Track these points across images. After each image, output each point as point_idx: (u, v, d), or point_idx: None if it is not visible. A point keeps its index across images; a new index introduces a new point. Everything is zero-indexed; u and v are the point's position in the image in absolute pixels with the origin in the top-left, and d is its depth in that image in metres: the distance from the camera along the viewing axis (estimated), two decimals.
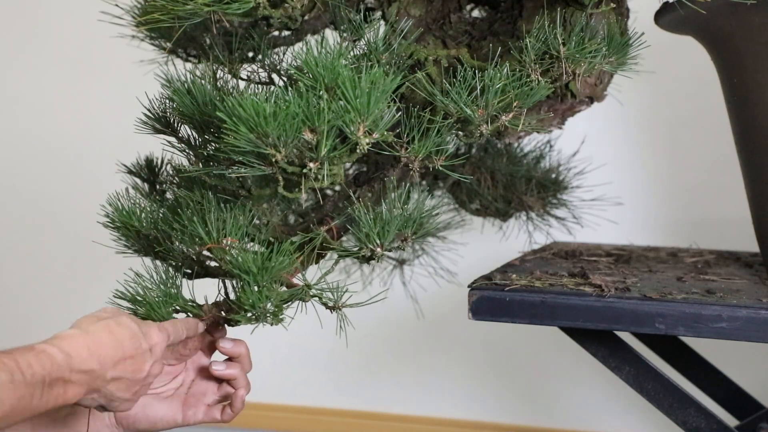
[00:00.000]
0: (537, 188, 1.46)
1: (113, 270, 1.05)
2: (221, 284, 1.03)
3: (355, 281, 1.37)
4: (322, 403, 2.16)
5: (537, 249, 1.46)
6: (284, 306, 0.99)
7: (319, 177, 0.93)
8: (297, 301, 1.01)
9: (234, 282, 1.01)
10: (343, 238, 1.10)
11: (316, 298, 1.01)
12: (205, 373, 1.06)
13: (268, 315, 0.97)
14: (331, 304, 1.01)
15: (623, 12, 1.14)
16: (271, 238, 1.08)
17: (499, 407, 2.07)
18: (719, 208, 1.88)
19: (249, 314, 0.97)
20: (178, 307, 1.02)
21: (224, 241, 0.99)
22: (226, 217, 1.01)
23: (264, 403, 2.18)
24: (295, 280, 1.02)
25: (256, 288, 0.96)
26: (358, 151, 0.93)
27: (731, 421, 1.45)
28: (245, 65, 1.14)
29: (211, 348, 1.05)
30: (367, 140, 0.92)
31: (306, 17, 1.08)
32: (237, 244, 0.99)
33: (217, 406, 1.05)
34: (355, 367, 2.13)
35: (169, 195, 1.13)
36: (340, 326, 1.00)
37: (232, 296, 1.02)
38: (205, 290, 1.05)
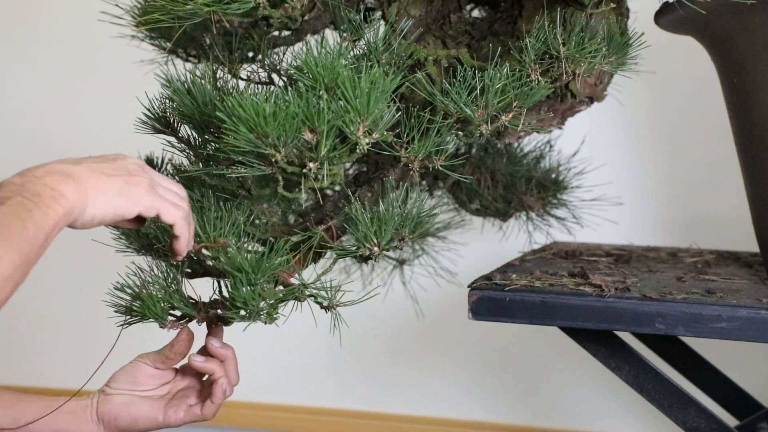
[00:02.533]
0: (537, 188, 1.46)
1: (113, 269, 1.05)
2: (216, 283, 1.03)
3: (353, 280, 1.37)
4: (322, 403, 2.16)
5: (537, 249, 1.46)
6: (279, 305, 0.99)
7: (319, 177, 0.93)
8: (293, 301, 1.01)
9: (228, 280, 1.01)
10: (343, 238, 1.10)
11: (312, 298, 1.01)
12: (189, 377, 1.06)
13: (261, 313, 0.97)
14: (325, 303, 1.01)
15: (623, 12, 1.14)
16: (271, 238, 1.08)
17: (499, 407, 2.07)
18: (719, 208, 1.88)
19: (242, 312, 0.97)
20: (175, 304, 1.02)
21: (219, 240, 1.00)
22: (224, 216, 1.01)
23: (264, 403, 2.18)
24: (292, 280, 1.02)
25: (248, 286, 0.96)
26: (357, 151, 0.93)
27: (731, 421, 1.45)
28: (245, 65, 1.14)
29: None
30: (366, 140, 0.92)
31: (306, 17, 1.08)
32: (231, 243, 0.99)
33: (198, 404, 1.05)
34: (355, 367, 2.13)
35: None
36: (334, 325, 1.00)
37: (226, 295, 1.02)
38: (209, 290, 1.05)
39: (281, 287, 1.01)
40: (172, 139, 1.09)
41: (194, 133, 1.07)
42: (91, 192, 0.81)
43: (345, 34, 1.06)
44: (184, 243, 0.92)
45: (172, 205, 0.89)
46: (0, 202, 0.75)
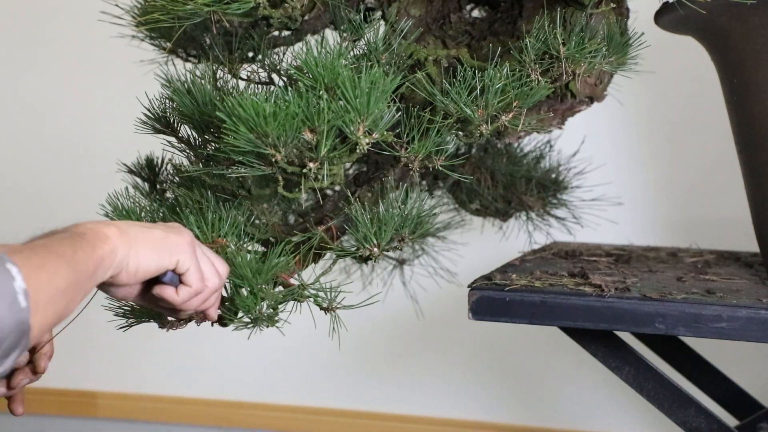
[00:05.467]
0: (537, 188, 1.46)
1: None
2: None
3: (353, 281, 1.37)
4: (322, 403, 2.16)
5: (537, 249, 1.46)
6: (279, 308, 0.99)
7: (319, 177, 0.93)
8: (293, 302, 1.01)
9: (229, 285, 1.01)
10: (343, 238, 1.10)
11: (312, 299, 1.01)
12: None
13: (263, 318, 0.97)
14: (325, 305, 1.01)
15: (623, 12, 1.14)
16: (271, 238, 1.08)
17: (498, 407, 2.07)
18: (719, 208, 1.88)
19: (243, 317, 0.97)
20: None
21: (217, 242, 1.00)
22: (223, 216, 1.01)
23: (264, 403, 2.18)
24: (292, 281, 1.02)
25: (249, 291, 0.96)
26: (358, 151, 0.93)
27: (731, 421, 1.45)
28: (245, 65, 1.14)
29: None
30: (367, 140, 0.92)
31: (306, 17, 1.08)
32: (230, 245, 0.99)
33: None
34: (355, 367, 2.13)
35: (169, 194, 1.13)
36: (333, 328, 1.00)
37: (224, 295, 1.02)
38: None
39: (281, 288, 1.01)
40: (172, 139, 1.09)
41: (194, 133, 1.07)
42: (134, 241, 0.83)
43: (345, 34, 1.06)
44: (188, 300, 0.90)
45: (197, 270, 0.88)
46: (48, 237, 0.77)
